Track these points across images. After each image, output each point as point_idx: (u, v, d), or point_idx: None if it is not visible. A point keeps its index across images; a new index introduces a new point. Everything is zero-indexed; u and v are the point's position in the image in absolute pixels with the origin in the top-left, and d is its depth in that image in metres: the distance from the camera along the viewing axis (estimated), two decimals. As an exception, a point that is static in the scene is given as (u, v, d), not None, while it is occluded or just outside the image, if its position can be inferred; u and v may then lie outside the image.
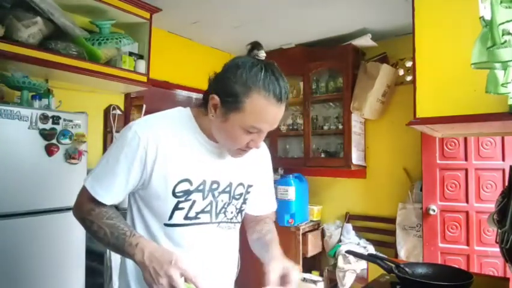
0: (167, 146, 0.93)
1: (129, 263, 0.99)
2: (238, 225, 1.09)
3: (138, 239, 0.87)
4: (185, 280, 0.81)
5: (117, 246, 0.88)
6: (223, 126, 0.91)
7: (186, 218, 0.95)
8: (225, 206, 1.02)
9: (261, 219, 1.19)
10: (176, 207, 0.94)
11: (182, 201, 0.94)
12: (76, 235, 2.04)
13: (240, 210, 1.08)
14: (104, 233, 0.89)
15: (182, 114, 1.00)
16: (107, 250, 2.13)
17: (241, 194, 1.06)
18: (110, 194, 0.93)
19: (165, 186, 0.92)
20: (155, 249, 0.84)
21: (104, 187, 0.92)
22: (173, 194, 0.93)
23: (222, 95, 0.89)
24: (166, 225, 0.95)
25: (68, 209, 2.00)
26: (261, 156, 1.15)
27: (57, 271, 1.96)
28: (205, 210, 0.98)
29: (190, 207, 0.95)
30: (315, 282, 2.94)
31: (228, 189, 1.02)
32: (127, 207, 1.02)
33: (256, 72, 0.86)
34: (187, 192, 0.94)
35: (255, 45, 0.93)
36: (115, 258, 2.14)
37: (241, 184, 1.06)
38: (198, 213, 0.97)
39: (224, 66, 0.93)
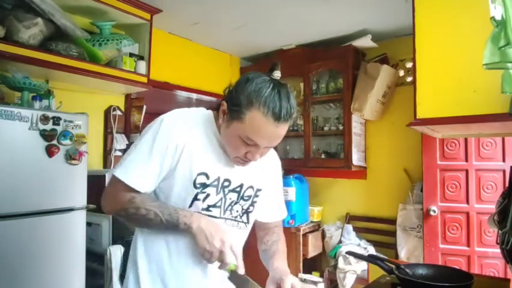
0: (193, 140, 0.99)
1: (140, 253, 1.03)
2: (244, 226, 1.12)
3: (191, 212, 0.96)
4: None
5: (171, 221, 0.93)
6: (226, 132, 0.98)
7: (201, 209, 1.01)
8: (232, 204, 1.07)
9: (269, 228, 1.23)
10: (195, 198, 0.99)
11: (199, 193, 1.00)
12: (76, 236, 2.04)
13: (247, 211, 1.11)
14: (155, 214, 0.94)
15: (205, 114, 1.07)
16: (108, 251, 2.13)
17: (250, 196, 1.11)
18: (146, 181, 0.97)
19: (189, 176, 0.98)
20: (210, 219, 0.96)
21: (140, 175, 0.96)
22: (194, 184, 0.98)
23: (230, 103, 0.96)
24: None
25: (68, 210, 2.01)
26: (272, 165, 1.21)
27: (57, 272, 1.96)
28: (217, 204, 1.03)
29: (204, 200, 1.01)
30: (315, 283, 2.94)
31: (238, 189, 1.07)
32: None
33: (262, 89, 0.91)
34: (204, 185, 1.00)
35: (274, 65, 0.99)
36: (115, 260, 2.14)
37: (251, 187, 1.10)
38: (209, 206, 1.02)
39: (238, 78, 1.00)
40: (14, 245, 1.80)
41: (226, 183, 1.04)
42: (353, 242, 3.15)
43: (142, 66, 2.64)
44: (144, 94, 3.00)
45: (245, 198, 1.09)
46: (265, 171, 1.16)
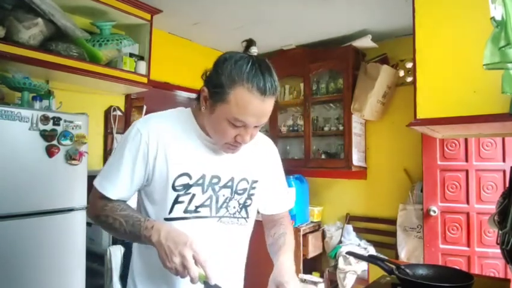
0: (167, 142, 0.97)
1: (136, 264, 1.03)
2: (245, 221, 1.08)
3: (153, 222, 0.90)
4: (196, 264, 0.84)
5: (134, 232, 0.90)
6: (211, 118, 0.94)
7: (186, 211, 0.97)
8: (227, 201, 1.03)
9: (276, 220, 1.19)
10: (176, 201, 0.96)
11: (181, 195, 0.96)
12: (76, 236, 2.04)
13: (244, 206, 1.07)
14: (120, 223, 0.92)
15: (182, 112, 1.04)
16: (108, 251, 2.13)
17: (244, 189, 1.06)
18: (116, 189, 0.96)
19: (166, 180, 0.95)
20: (171, 230, 0.88)
21: (111, 183, 0.96)
22: (173, 187, 0.96)
23: (210, 87, 0.92)
24: (167, 219, 0.97)
25: (68, 210, 2.01)
26: (266, 152, 1.16)
27: (57, 272, 1.96)
28: (205, 204, 0.99)
29: (190, 201, 0.97)
30: (315, 283, 2.94)
31: (229, 184, 1.03)
32: (136, 208, 1.05)
33: (241, 65, 0.88)
34: (187, 186, 0.97)
35: (250, 42, 0.97)
36: (115, 260, 2.14)
37: (244, 179, 1.06)
38: (197, 207, 0.98)
39: (215, 60, 0.96)
40: (14, 245, 1.80)
41: (214, 180, 1.01)
42: (353, 242, 3.15)
43: (142, 66, 2.64)
44: (144, 94, 3.00)
45: (239, 192, 1.05)
46: (260, 161, 1.12)
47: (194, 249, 0.84)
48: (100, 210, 0.97)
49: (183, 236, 0.86)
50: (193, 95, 3.57)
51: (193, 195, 0.98)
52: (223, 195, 1.02)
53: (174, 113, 1.04)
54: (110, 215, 0.94)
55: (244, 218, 1.08)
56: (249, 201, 1.08)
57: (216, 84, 0.90)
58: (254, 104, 0.88)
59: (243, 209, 1.07)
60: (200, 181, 0.98)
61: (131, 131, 0.98)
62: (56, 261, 1.95)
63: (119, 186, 0.96)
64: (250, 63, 0.88)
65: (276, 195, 1.19)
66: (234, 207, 1.05)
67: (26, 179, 1.85)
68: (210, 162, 1.01)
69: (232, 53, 0.94)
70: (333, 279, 3.01)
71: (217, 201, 1.01)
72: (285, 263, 1.02)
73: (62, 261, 1.98)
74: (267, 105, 0.90)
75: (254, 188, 1.09)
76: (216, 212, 1.01)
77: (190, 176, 0.97)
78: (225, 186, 1.03)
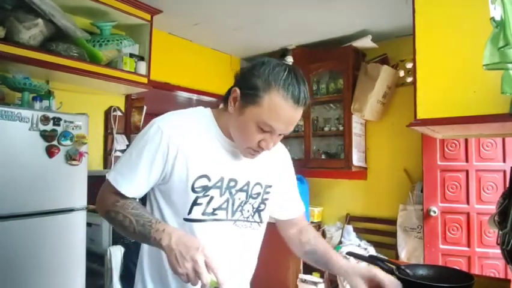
0: (188, 143, 0.95)
1: (146, 261, 1.02)
2: (257, 226, 1.08)
3: (164, 225, 0.88)
4: (207, 269, 0.82)
5: (143, 233, 0.88)
6: (239, 120, 0.93)
7: (204, 213, 0.97)
8: (242, 205, 1.03)
9: (296, 224, 1.20)
10: (195, 203, 0.95)
11: (200, 197, 0.96)
12: (76, 236, 2.04)
13: (258, 210, 1.07)
14: (130, 221, 0.90)
15: (203, 113, 1.03)
16: (108, 251, 2.13)
17: (258, 194, 1.07)
18: (132, 186, 0.95)
19: (185, 180, 0.94)
20: (182, 235, 0.86)
21: (127, 180, 0.94)
22: (193, 189, 0.95)
23: (243, 87, 0.92)
24: (186, 220, 0.96)
25: (68, 210, 2.01)
26: (280, 158, 1.17)
27: (57, 272, 1.96)
28: (222, 207, 0.99)
29: (208, 203, 0.97)
30: (315, 283, 2.94)
31: (245, 187, 1.03)
32: (147, 205, 1.04)
33: (279, 72, 0.89)
34: (205, 188, 0.96)
35: (286, 52, 0.99)
36: (116, 260, 2.14)
37: (258, 184, 1.06)
38: (215, 210, 0.98)
39: (251, 63, 0.96)
40: (14, 245, 1.80)
41: (232, 183, 1.00)
42: (353, 242, 3.15)
43: (142, 66, 2.64)
44: (144, 95, 3.01)
45: (253, 196, 1.05)
46: (274, 166, 1.12)
47: (206, 254, 0.82)
48: (110, 206, 0.95)
49: (195, 241, 0.85)
50: (193, 95, 3.57)
51: (212, 197, 0.97)
52: (239, 199, 1.02)
53: (195, 113, 1.03)
54: (121, 211, 0.92)
55: (258, 222, 1.08)
56: (262, 206, 1.08)
57: (251, 86, 0.90)
58: (286, 111, 0.88)
59: (256, 213, 1.07)
60: (218, 184, 0.98)
61: (151, 129, 0.95)
62: (56, 262, 1.95)
63: (134, 184, 0.95)
64: (287, 71, 0.89)
65: (291, 200, 1.20)
66: (248, 211, 1.05)
67: (26, 180, 1.85)
68: (228, 165, 1.01)
69: (269, 58, 0.94)
70: (333, 279, 3.01)
71: (233, 205, 1.01)
72: (352, 262, 1.05)
73: (62, 261, 1.98)
74: (297, 115, 0.91)
75: (268, 192, 1.09)
76: (231, 215, 1.01)
77: (209, 178, 0.96)
78: (241, 189, 1.02)
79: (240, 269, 1.06)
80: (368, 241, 3.21)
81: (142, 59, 2.67)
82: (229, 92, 0.98)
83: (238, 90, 0.93)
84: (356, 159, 3.21)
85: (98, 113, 2.82)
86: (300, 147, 3.59)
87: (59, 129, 1.97)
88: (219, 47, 3.58)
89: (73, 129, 2.02)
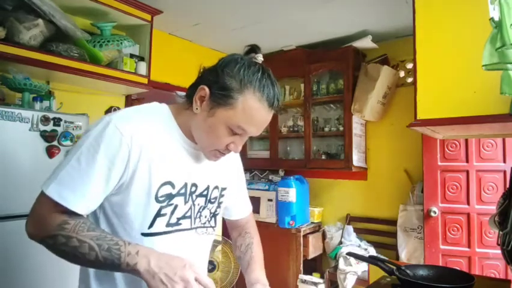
0: (151, 146, 0.83)
1: (91, 269, 0.89)
2: (212, 230, 1.03)
3: (136, 246, 0.76)
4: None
5: (110, 259, 0.74)
6: (207, 122, 0.84)
7: (168, 225, 0.87)
8: (200, 210, 0.96)
9: (241, 226, 1.17)
10: (158, 214, 0.85)
11: (164, 207, 0.86)
12: (76, 237, 2.04)
13: (214, 215, 1.02)
14: (90, 247, 0.74)
15: (161, 110, 0.92)
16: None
17: (216, 198, 1.01)
18: (85, 201, 0.78)
19: (148, 189, 0.83)
20: (161, 254, 0.76)
21: (77, 194, 0.77)
22: (156, 198, 0.84)
23: (214, 87, 0.83)
24: (145, 234, 0.85)
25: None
26: (232, 159, 1.09)
27: (57, 272, 1.96)
28: (186, 215, 0.91)
29: (172, 213, 0.88)
30: (316, 284, 2.94)
31: (205, 192, 0.96)
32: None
33: (254, 72, 0.82)
34: (169, 196, 0.86)
35: (254, 48, 0.91)
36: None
37: (216, 187, 1.00)
38: (179, 219, 0.89)
39: (220, 60, 0.88)
40: (14, 246, 1.80)
41: (193, 189, 0.92)
42: (353, 243, 3.15)
43: (142, 67, 2.64)
44: (144, 95, 3.00)
45: (212, 200, 0.99)
46: (228, 167, 1.06)
47: (195, 270, 0.75)
48: (57, 229, 0.75)
49: (177, 258, 0.76)
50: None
51: (176, 206, 0.88)
52: (198, 205, 0.95)
53: (152, 110, 0.91)
54: (73, 236, 0.74)
55: (213, 227, 1.02)
56: (218, 210, 1.03)
57: (223, 86, 0.82)
58: (261, 113, 0.83)
59: (213, 218, 1.02)
60: (182, 190, 0.89)
61: (107, 129, 0.79)
62: (56, 262, 1.95)
63: (88, 199, 0.78)
64: (261, 72, 0.83)
65: (241, 200, 1.17)
66: (205, 217, 0.98)
67: (26, 180, 1.84)
68: (191, 169, 0.91)
69: (239, 55, 0.87)
70: (333, 279, 3.01)
71: (194, 211, 0.93)
72: (260, 281, 1.04)
73: (62, 261, 1.97)
74: (270, 118, 0.87)
75: (223, 195, 1.04)
76: (194, 223, 0.94)
77: (173, 185, 0.86)
78: (201, 195, 0.95)
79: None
80: (368, 241, 3.21)
81: (142, 59, 2.67)
82: (193, 88, 0.88)
83: (207, 89, 0.84)
84: (356, 159, 3.21)
85: (99, 114, 2.82)
86: (300, 147, 3.59)
87: (60, 129, 1.97)
88: (219, 47, 3.58)
89: (73, 129, 2.02)
